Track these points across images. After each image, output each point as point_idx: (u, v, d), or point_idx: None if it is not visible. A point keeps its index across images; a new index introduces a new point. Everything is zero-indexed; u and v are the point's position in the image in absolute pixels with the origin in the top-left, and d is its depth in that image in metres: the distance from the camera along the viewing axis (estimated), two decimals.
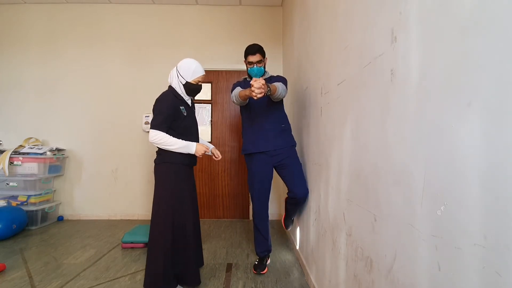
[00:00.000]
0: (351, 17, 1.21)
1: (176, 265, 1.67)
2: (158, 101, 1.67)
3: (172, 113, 1.65)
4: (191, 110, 1.80)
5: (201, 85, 1.77)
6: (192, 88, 1.73)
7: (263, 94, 1.59)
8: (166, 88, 1.76)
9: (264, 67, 2.02)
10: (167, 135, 1.61)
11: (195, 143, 1.70)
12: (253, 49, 1.96)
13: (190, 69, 1.69)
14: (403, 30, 0.80)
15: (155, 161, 1.72)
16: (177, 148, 1.62)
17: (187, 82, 1.70)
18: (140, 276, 1.96)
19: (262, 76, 2.02)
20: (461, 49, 0.59)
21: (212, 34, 3.59)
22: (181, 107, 1.70)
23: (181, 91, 1.72)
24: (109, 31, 3.58)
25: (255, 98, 1.59)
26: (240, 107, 2.11)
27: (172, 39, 3.58)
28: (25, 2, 3.54)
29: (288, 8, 3.11)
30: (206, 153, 1.76)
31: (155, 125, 1.60)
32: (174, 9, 3.60)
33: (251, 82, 1.59)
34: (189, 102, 1.80)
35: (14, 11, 3.57)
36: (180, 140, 1.64)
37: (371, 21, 1.01)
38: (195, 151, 1.68)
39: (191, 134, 1.77)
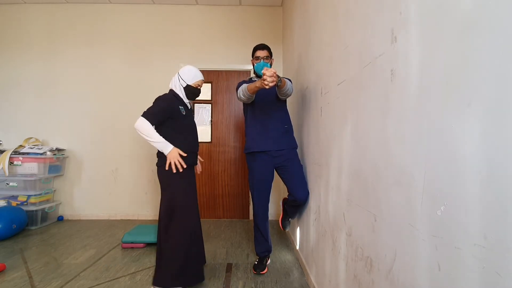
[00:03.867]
0: (351, 17, 1.21)
1: (190, 262, 1.74)
2: (158, 98, 1.75)
3: (169, 109, 1.71)
4: (190, 112, 1.87)
5: (200, 89, 1.88)
6: (192, 91, 1.84)
7: (274, 83, 1.60)
8: (167, 90, 1.84)
9: (270, 67, 2.03)
10: (152, 128, 1.63)
11: (172, 146, 1.66)
12: (262, 45, 2.06)
13: (191, 73, 1.81)
14: (403, 30, 0.80)
15: (157, 164, 1.75)
16: (154, 142, 1.63)
17: (187, 85, 1.81)
18: (140, 276, 1.96)
19: None
20: (461, 49, 0.59)
21: (212, 34, 3.59)
22: (180, 107, 1.78)
23: (181, 93, 1.82)
24: (109, 31, 3.58)
25: (266, 87, 1.60)
26: (244, 105, 2.11)
27: (172, 39, 3.58)
28: (25, 2, 3.54)
29: (288, 8, 3.11)
30: (179, 160, 1.66)
31: (146, 113, 1.64)
32: (174, 9, 3.60)
33: (262, 71, 1.59)
34: (189, 105, 1.88)
35: (14, 11, 3.56)
36: (161, 137, 1.64)
37: (371, 21, 1.01)
38: (168, 153, 1.65)
39: (191, 134, 1.83)
